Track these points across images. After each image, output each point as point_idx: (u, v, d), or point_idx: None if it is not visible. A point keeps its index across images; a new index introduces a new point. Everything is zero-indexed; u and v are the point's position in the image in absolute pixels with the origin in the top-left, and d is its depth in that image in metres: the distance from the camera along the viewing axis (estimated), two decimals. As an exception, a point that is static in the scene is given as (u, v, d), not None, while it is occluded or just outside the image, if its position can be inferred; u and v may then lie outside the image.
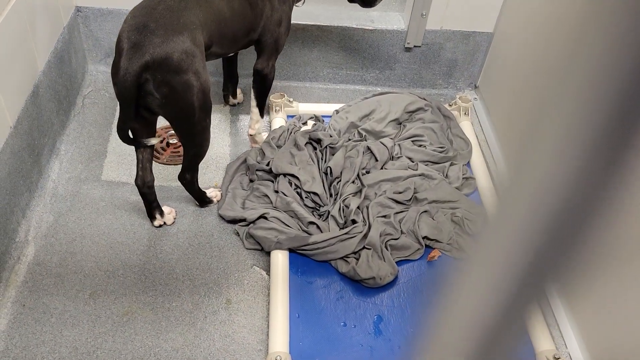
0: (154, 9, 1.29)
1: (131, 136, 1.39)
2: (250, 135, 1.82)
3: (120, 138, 1.36)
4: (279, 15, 1.59)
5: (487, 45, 2.08)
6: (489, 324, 0.30)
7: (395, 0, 2.29)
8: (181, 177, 1.55)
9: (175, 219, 1.61)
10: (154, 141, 1.43)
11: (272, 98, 1.95)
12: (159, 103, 1.30)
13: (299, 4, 1.69)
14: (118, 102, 1.31)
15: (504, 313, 0.29)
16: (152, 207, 1.56)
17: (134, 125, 1.38)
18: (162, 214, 1.58)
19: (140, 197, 1.55)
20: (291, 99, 1.98)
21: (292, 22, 1.99)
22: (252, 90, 1.74)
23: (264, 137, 1.84)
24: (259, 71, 1.67)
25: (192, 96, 1.31)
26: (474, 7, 1.98)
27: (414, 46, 2.07)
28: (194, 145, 1.46)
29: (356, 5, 2.23)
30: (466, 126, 1.99)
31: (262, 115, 1.79)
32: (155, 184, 1.52)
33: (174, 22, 1.28)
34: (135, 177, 1.51)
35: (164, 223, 1.59)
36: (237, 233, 1.59)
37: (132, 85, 1.25)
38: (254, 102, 1.75)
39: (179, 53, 1.26)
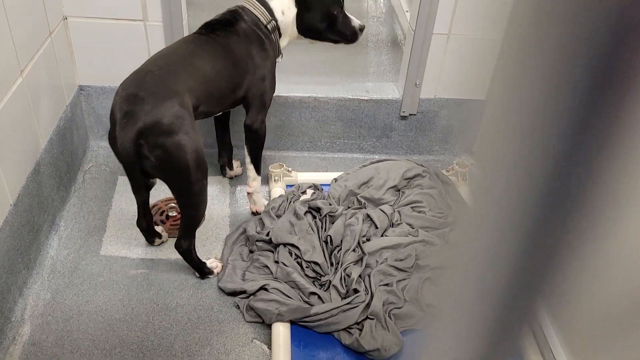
0: (142, 79, 1.38)
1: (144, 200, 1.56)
2: (249, 193, 1.83)
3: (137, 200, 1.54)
4: (262, 72, 1.64)
5: (481, 112, 2.12)
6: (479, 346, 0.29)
7: (389, 71, 2.37)
8: (178, 245, 1.54)
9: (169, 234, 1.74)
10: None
11: (271, 168, 1.97)
12: (153, 165, 1.36)
13: (279, 59, 1.75)
14: (124, 170, 1.40)
15: (492, 335, 0.28)
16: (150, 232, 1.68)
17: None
18: (160, 236, 1.70)
19: (138, 270, 1.53)
20: (290, 169, 2.00)
21: (290, 94, 2.05)
22: (245, 147, 1.76)
23: (263, 199, 1.84)
24: (249, 126, 1.70)
25: (185, 154, 1.36)
26: (465, 76, 2.04)
27: (409, 114, 2.11)
28: (191, 207, 1.48)
29: (351, 77, 2.30)
30: (465, 191, 1.99)
31: (258, 172, 1.80)
32: (154, 257, 1.51)
33: (161, 89, 1.36)
34: (137, 219, 1.63)
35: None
36: (238, 306, 1.56)
37: (133, 151, 1.33)
38: (248, 159, 1.77)
39: (169, 117, 1.33)
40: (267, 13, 1.65)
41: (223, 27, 1.59)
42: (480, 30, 1.94)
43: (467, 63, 2.01)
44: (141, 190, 1.50)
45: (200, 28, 1.60)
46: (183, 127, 1.34)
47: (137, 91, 1.35)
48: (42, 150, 1.66)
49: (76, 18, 1.84)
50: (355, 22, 1.74)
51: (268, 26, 1.65)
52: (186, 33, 1.91)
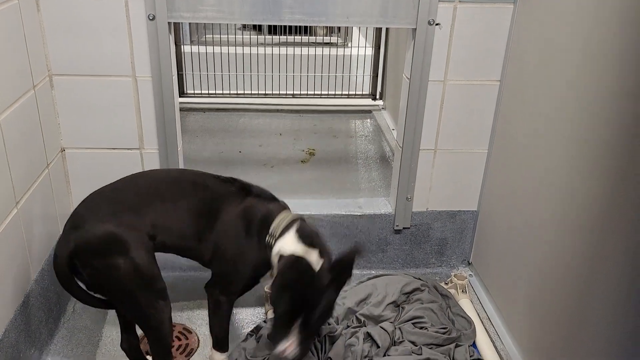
0: (95, 197, 1.42)
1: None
2: None
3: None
4: (232, 252, 1.41)
5: (474, 222, 2.14)
6: None
7: (380, 187, 2.42)
8: None
9: None
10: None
11: (267, 288, 1.93)
12: (89, 284, 1.38)
13: (267, 274, 1.45)
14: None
15: None
16: None
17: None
18: None
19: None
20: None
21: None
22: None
23: None
24: (208, 293, 1.48)
25: (119, 278, 1.33)
26: (455, 189, 2.08)
27: (403, 228, 2.12)
28: (148, 328, 1.42)
29: (344, 194, 2.34)
30: (466, 304, 1.95)
31: (222, 348, 1.53)
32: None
33: (106, 210, 1.37)
34: (120, 341, 1.53)
35: None
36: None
37: (64, 270, 1.35)
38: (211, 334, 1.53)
39: (100, 239, 1.32)
40: (273, 237, 1.39)
41: (235, 188, 1.46)
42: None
43: (455, 175, 2.06)
44: (95, 306, 1.46)
45: (220, 176, 1.50)
46: (120, 249, 1.32)
47: (83, 209, 1.39)
48: (33, 281, 1.63)
49: (74, 149, 1.89)
50: None
51: (268, 239, 1.40)
52: (181, 159, 1.96)
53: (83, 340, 1.76)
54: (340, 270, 1.28)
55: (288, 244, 1.34)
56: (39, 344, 1.66)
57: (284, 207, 1.49)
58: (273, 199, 1.50)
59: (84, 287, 1.42)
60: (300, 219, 1.42)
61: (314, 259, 1.29)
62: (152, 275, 1.37)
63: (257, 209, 1.43)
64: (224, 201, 1.44)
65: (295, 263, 1.28)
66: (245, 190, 1.47)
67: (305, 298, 1.25)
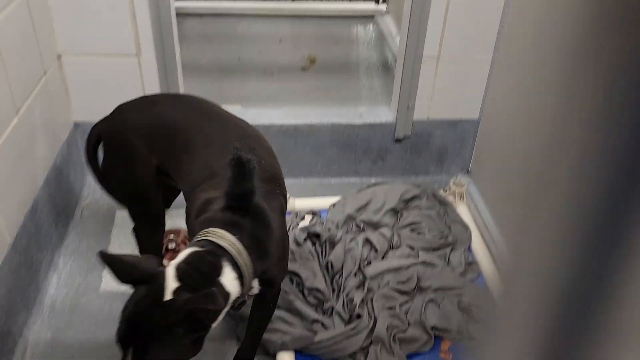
0: (141, 103, 1.46)
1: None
2: None
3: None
4: (190, 220, 1.24)
5: (475, 131, 2.14)
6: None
7: (381, 95, 2.39)
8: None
9: None
10: None
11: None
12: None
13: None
14: None
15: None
16: None
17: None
18: None
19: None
20: (287, 195, 2.00)
21: (284, 122, 2.06)
22: None
23: None
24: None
25: (119, 181, 1.46)
26: (457, 97, 2.06)
27: (404, 136, 2.13)
28: (141, 229, 1.54)
29: (344, 103, 2.32)
30: (463, 211, 2.00)
31: None
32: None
33: (134, 116, 1.42)
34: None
35: None
36: (239, 338, 1.54)
37: (89, 147, 1.50)
38: None
39: (117, 138, 1.41)
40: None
41: (229, 171, 1.21)
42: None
43: (457, 84, 2.03)
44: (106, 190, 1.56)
45: (238, 150, 1.24)
46: (127, 157, 1.39)
47: (127, 107, 1.43)
48: (39, 188, 1.66)
49: (70, 56, 1.85)
50: None
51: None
52: (179, 67, 1.93)
53: (93, 244, 1.83)
54: (193, 312, 0.98)
55: (179, 257, 1.08)
56: (50, 247, 1.72)
57: (236, 225, 1.13)
58: (240, 208, 1.15)
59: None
60: (211, 251, 1.08)
61: (171, 287, 1.00)
62: (147, 195, 1.43)
63: (212, 208, 1.17)
64: (210, 173, 1.25)
65: (153, 277, 1.02)
66: (234, 179, 1.19)
67: (136, 323, 1.01)
